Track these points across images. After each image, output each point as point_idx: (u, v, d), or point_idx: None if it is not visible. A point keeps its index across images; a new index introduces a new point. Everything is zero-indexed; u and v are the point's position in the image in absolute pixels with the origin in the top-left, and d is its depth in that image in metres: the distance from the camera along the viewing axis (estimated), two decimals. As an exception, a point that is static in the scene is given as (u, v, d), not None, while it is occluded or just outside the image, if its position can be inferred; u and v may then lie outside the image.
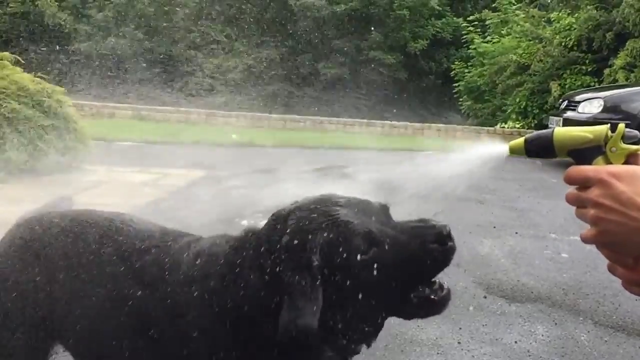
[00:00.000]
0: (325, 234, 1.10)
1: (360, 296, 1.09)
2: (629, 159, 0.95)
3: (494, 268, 3.69)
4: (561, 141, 0.99)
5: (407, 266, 1.11)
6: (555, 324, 2.86)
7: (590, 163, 0.97)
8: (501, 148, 1.06)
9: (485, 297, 3.18)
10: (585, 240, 0.95)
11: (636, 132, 0.98)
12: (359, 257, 1.08)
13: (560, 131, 1.00)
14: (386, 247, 1.10)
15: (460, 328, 2.73)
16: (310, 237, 1.11)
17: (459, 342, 2.59)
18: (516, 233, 4.58)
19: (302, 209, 1.16)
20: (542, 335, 2.72)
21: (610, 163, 0.96)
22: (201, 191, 5.62)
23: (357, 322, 1.14)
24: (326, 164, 8.04)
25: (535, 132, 1.03)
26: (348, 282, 1.09)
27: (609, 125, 0.98)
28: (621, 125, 0.96)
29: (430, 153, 1.15)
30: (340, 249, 1.09)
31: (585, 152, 0.98)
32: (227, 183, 6.15)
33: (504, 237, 4.41)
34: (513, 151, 1.04)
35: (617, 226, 0.89)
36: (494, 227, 4.61)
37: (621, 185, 0.89)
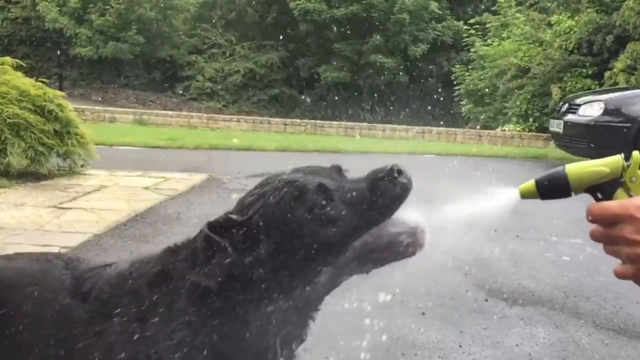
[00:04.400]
0: (269, 198, 1.10)
1: (321, 253, 1.08)
2: None
3: (495, 271, 3.69)
4: (578, 180, 0.95)
5: (361, 208, 1.09)
6: (557, 327, 2.86)
7: (611, 197, 0.94)
8: (511, 193, 1.03)
9: (486, 300, 3.18)
10: (622, 277, 0.92)
11: None
12: (314, 210, 1.08)
13: (573, 169, 0.96)
14: (341, 197, 1.10)
15: (461, 331, 2.73)
16: (251, 202, 1.12)
17: (460, 346, 2.59)
18: (517, 236, 4.58)
19: (255, 187, 1.17)
20: (543, 339, 2.71)
21: (631, 194, 0.93)
22: (202, 195, 5.63)
23: (312, 283, 1.12)
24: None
25: (546, 174, 0.99)
26: (305, 239, 1.07)
27: (622, 154, 0.95)
28: (636, 153, 0.93)
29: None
30: (291, 208, 1.08)
31: (605, 187, 0.95)
32: (228, 187, 6.16)
33: (505, 240, 4.41)
34: (525, 195, 1.01)
35: None
36: (495, 230, 4.60)
37: None
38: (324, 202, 1.08)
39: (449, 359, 2.47)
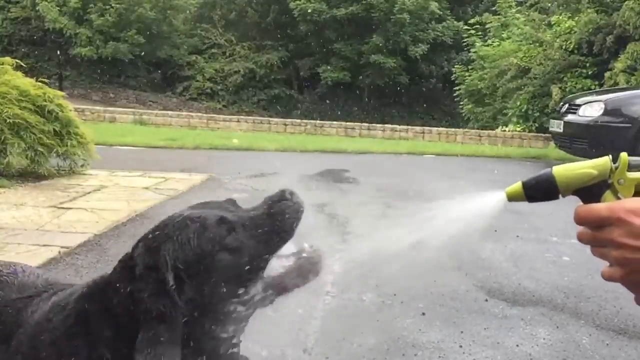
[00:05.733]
0: (176, 240, 1.09)
1: (237, 282, 1.10)
2: (639, 188, 0.92)
3: (495, 271, 3.69)
4: (565, 183, 0.94)
5: (263, 233, 1.14)
6: (557, 327, 2.86)
7: (598, 199, 0.93)
8: (498, 196, 1.01)
9: (486, 300, 3.18)
10: (610, 279, 0.91)
11: None
12: (220, 244, 1.10)
13: (561, 171, 0.94)
14: (242, 225, 1.14)
15: (461, 332, 2.73)
16: (161, 250, 1.09)
17: (460, 346, 2.58)
18: (517, 236, 4.58)
19: (147, 235, 1.16)
20: (544, 339, 2.71)
21: (619, 197, 0.92)
22: (202, 195, 5.62)
23: (234, 313, 1.13)
24: (327, 168, 8.05)
25: (533, 177, 0.97)
26: (219, 273, 1.09)
27: (610, 156, 0.94)
28: (624, 155, 0.92)
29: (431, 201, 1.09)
30: (199, 245, 1.09)
31: (592, 189, 0.93)
32: (228, 187, 6.16)
33: (505, 241, 4.41)
34: (511, 198, 0.99)
35: None
36: (495, 231, 4.60)
37: None
38: (226, 233, 1.11)
39: (449, 360, 2.47)
